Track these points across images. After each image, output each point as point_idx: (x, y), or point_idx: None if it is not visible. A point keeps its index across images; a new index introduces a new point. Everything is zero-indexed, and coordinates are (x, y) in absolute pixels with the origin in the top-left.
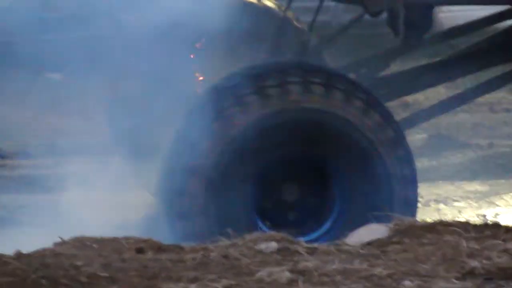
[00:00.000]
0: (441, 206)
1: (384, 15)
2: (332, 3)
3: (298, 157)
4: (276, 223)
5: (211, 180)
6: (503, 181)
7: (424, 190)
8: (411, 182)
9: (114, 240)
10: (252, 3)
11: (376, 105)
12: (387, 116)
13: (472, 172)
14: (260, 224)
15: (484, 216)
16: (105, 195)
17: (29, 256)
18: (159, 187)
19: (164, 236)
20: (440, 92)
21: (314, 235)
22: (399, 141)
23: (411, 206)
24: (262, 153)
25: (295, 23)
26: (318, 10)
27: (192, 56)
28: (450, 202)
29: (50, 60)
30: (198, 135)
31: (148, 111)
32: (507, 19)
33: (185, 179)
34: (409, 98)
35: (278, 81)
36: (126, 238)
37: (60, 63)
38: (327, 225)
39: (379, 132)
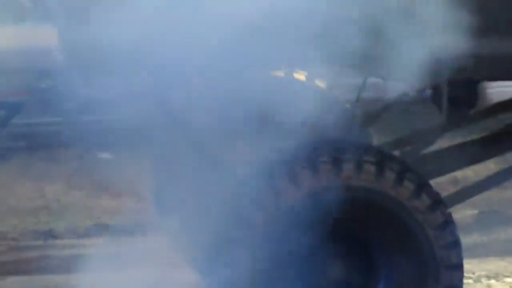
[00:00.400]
0: (492, 282)
1: (429, 91)
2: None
3: (347, 235)
4: None
5: (258, 253)
6: None
7: (475, 266)
8: (457, 269)
9: None
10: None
11: (427, 188)
12: (436, 200)
13: None
14: None
15: None
16: (153, 274)
17: None
18: (205, 261)
19: None
20: (489, 167)
21: None
22: (448, 226)
23: None
24: (311, 228)
25: (341, 101)
26: (362, 86)
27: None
28: (501, 278)
29: None
30: (248, 207)
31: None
32: None
33: (232, 252)
34: (459, 174)
35: (331, 158)
36: None
37: None
38: None
39: (428, 215)
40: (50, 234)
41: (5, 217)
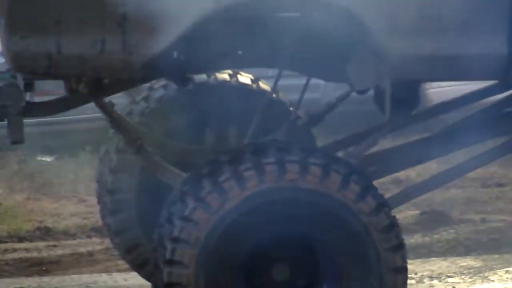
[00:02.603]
0: (435, 282)
1: (371, 92)
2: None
3: (292, 237)
4: None
5: (206, 251)
6: (496, 256)
7: (417, 267)
8: (401, 272)
9: None
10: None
11: (372, 191)
12: (381, 202)
13: (465, 248)
14: None
15: None
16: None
17: None
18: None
19: None
20: (431, 168)
21: None
22: (392, 228)
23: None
24: (255, 229)
25: (283, 101)
26: (305, 88)
27: None
28: (444, 278)
29: None
30: (193, 206)
31: None
32: (494, 94)
33: (177, 249)
34: (402, 175)
35: (276, 159)
36: None
37: None
38: None
39: (373, 217)
40: None
41: None
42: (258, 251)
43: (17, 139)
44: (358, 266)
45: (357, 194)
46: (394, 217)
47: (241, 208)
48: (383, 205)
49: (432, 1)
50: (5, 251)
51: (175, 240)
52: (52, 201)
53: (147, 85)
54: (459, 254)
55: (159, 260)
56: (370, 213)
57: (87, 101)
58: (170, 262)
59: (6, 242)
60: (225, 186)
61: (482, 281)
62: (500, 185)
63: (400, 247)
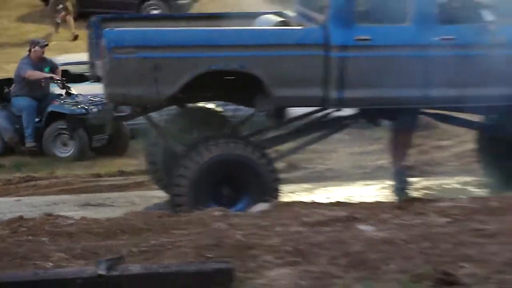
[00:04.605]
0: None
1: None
2: None
3: (232, 177)
4: (221, 204)
5: (196, 179)
6: None
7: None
8: (277, 183)
9: None
10: None
11: (266, 154)
12: (268, 158)
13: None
14: (213, 203)
15: None
16: None
17: None
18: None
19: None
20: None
21: (236, 209)
22: (274, 171)
23: (275, 196)
24: (214, 170)
25: (225, 115)
26: (235, 109)
27: None
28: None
29: None
30: (188, 161)
31: None
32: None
33: (180, 178)
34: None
35: (222, 141)
36: None
37: None
38: (240, 205)
39: (266, 166)
40: None
41: None
42: (215, 180)
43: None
44: (258, 182)
45: (258, 155)
46: (268, 157)
47: (208, 161)
48: (268, 159)
49: (288, 66)
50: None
51: (179, 175)
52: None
53: (165, 108)
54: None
55: (173, 180)
56: (263, 162)
57: (141, 115)
58: (178, 182)
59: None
60: (201, 152)
61: None
62: None
63: (277, 178)
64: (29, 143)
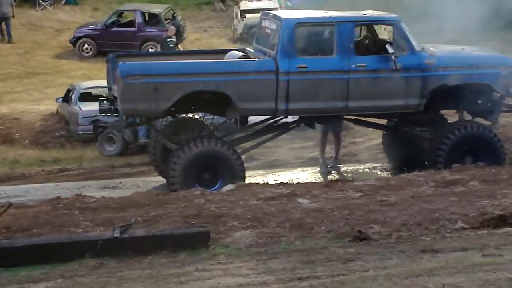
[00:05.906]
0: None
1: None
2: None
3: (210, 166)
4: (202, 185)
5: (185, 168)
6: None
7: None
8: (240, 165)
9: None
10: None
11: (234, 149)
12: (233, 151)
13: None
14: (197, 185)
15: None
16: None
17: None
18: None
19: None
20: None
21: (213, 189)
22: (240, 160)
23: (241, 178)
24: (198, 162)
25: (204, 122)
26: (212, 118)
27: None
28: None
29: None
30: (179, 154)
31: None
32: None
33: (174, 165)
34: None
35: (204, 140)
36: None
37: None
38: (216, 186)
39: (235, 158)
40: None
41: None
42: (199, 169)
43: (131, 139)
44: (230, 170)
45: (230, 151)
46: (237, 152)
47: (194, 155)
48: (237, 154)
49: (249, 87)
50: None
51: (174, 162)
52: None
53: (163, 118)
54: None
55: (168, 168)
56: (233, 156)
57: (146, 123)
58: (172, 169)
59: None
60: (191, 147)
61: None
62: None
63: (241, 163)
64: (142, 140)
